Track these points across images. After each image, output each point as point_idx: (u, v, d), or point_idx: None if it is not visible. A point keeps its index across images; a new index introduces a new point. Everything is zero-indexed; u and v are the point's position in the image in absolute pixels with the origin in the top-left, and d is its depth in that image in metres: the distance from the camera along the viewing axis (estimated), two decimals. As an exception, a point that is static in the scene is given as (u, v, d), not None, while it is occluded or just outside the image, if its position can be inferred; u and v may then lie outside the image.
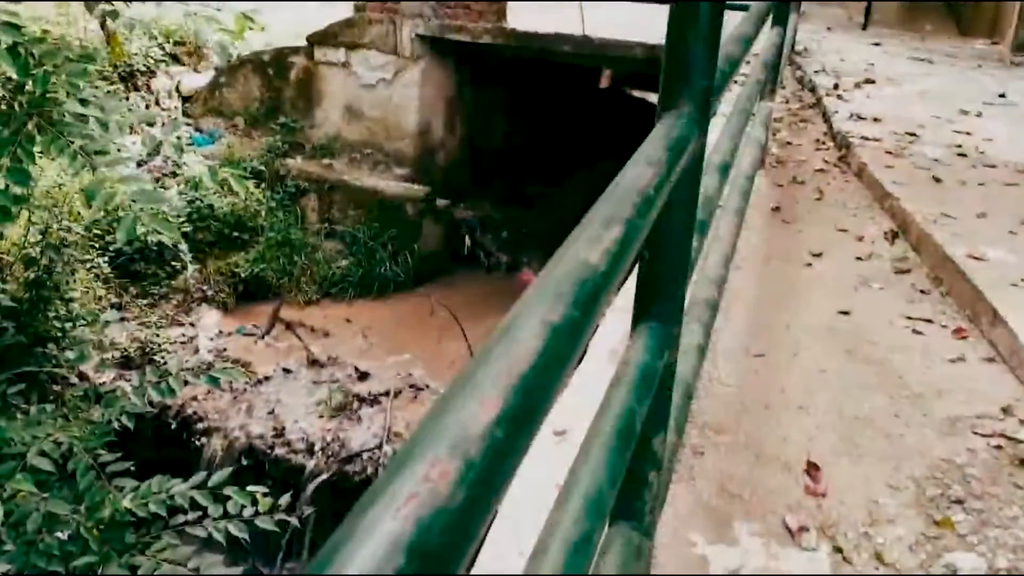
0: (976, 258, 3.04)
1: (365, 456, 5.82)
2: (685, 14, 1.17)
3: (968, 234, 3.27)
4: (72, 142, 3.42)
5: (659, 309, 1.24)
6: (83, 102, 3.57)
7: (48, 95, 3.50)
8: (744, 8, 4.01)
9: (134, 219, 3.33)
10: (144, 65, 8.67)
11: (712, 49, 1.21)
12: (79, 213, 6.57)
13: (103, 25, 4.07)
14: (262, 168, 8.37)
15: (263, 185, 8.27)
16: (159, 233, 3.34)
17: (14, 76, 3.41)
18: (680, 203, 1.16)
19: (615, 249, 0.72)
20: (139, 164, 7.67)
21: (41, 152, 3.43)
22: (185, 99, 8.99)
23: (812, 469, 2.12)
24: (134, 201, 3.36)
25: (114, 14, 4.18)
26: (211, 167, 3.72)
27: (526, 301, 0.61)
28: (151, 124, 7.18)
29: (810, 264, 3.27)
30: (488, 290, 8.58)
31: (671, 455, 1.56)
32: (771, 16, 3.72)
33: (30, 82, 3.43)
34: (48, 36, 6.30)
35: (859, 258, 3.33)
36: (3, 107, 3.46)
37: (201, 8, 5.00)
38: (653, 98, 12.76)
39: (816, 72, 5.91)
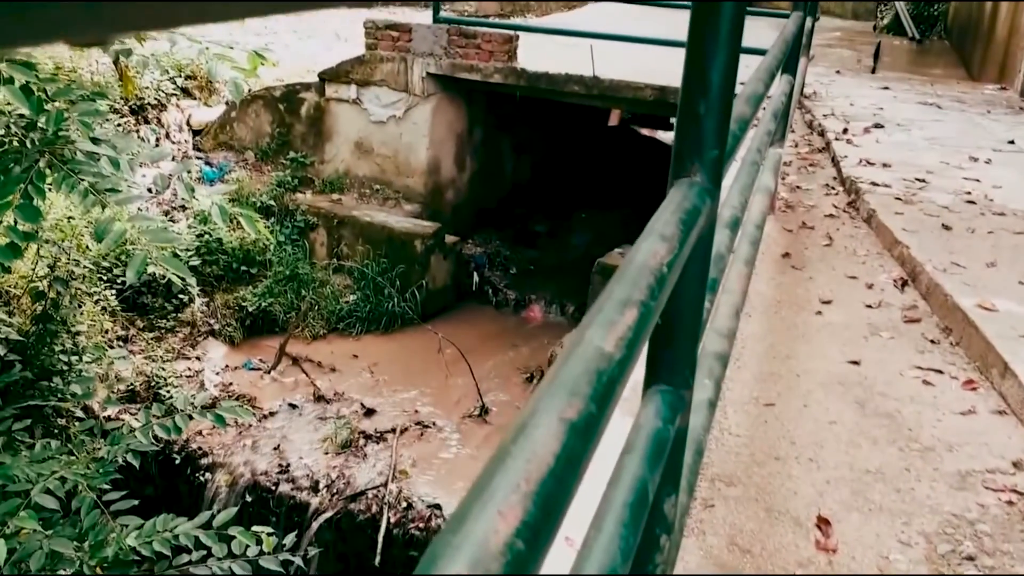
0: (986, 308, 3.03)
1: (370, 494, 5.79)
2: (696, 86, 1.18)
3: (978, 284, 3.26)
4: (83, 180, 3.46)
5: (670, 373, 1.24)
6: (95, 140, 3.61)
7: (60, 133, 3.54)
8: (760, 52, 4.04)
9: (144, 258, 3.35)
10: (155, 99, 8.75)
11: (724, 119, 1.22)
12: (87, 246, 6.61)
13: (116, 62, 4.11)
14: (271, 203, 8.42)
15: (272, 219, 8.31)
16: (168, 270, 3.36)
17: (27, 113, 3.45)
18: (693, 274, 1.16)
19: (630, 336, 0.72)
20: (149, 191, 7.72)
21: (51, 187, 3.46)
22: (196, 132, 9.06)
23: (823, 524, 2.10)
24: (144, 239, 3.38)
25: (127, 52, 4.23)
26: (221, 206, 3.73)
27: (541, 396, 0.61)
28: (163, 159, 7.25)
29: (820, 312, 3.26)
30: (496, 327, 8.57)
31: (682, 515, 1.55)
32: (781, 64, 3.74)
33: (43, 119, 3.46)
34: (61, 71, 6.36)
35: (869, 306, 3.32)
36: (15, 144, 3.50)
37: (214, 45, 5.05)
38: (662, 136, 12.86)
39: (825, 116, 5.94)
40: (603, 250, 7.98)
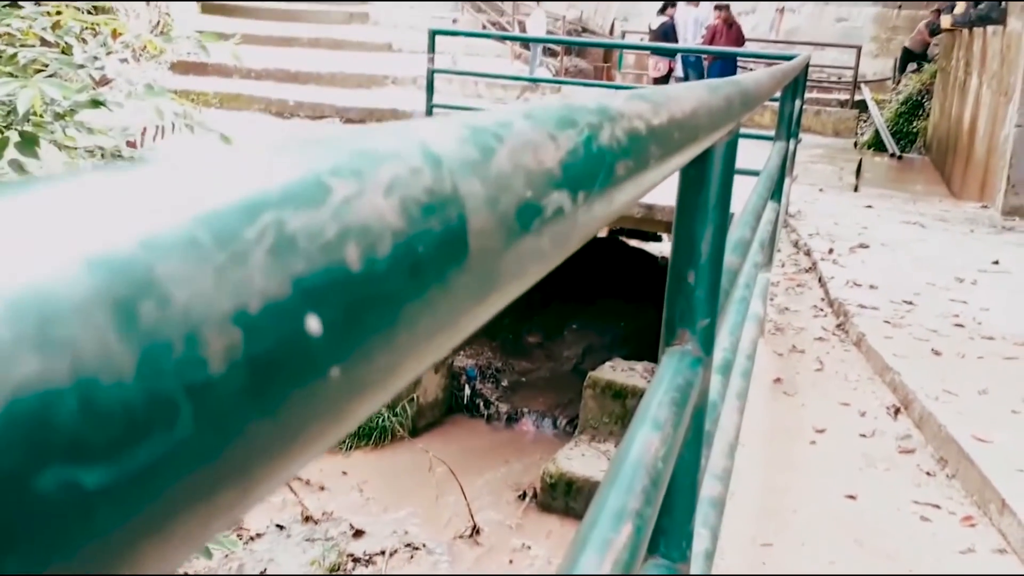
0: (980, 440, 3.01)
1: (357, 622, 5.60)
2: (685, 257, 1.19)
3: (971, 412, 3.25)
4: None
5: (667, 547, 1.22)
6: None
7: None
8: (751, 173, 4.11)
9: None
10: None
11: (714, 287, 1.23)
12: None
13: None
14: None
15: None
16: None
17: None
18: (689, 456, 1.15)
19: (626, 558, 0.70)
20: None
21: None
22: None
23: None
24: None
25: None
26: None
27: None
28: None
29: (814, 442, 3.23)
30: (487, 441, 8.48)
31: None
32: (766, 201, 3.81)
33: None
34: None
35: (863, 435, 3.30)
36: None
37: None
38: (649, 247, 13.01)
39: (811, 235, 6.03)
40: (595, 362, 7.96)
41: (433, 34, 7.80)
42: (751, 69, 14.15)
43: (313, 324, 0.18)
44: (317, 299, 0.18)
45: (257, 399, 0.16)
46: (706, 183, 1.14)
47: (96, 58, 3.84)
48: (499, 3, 19.23)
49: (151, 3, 12.89)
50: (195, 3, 15.06)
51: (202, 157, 0.19)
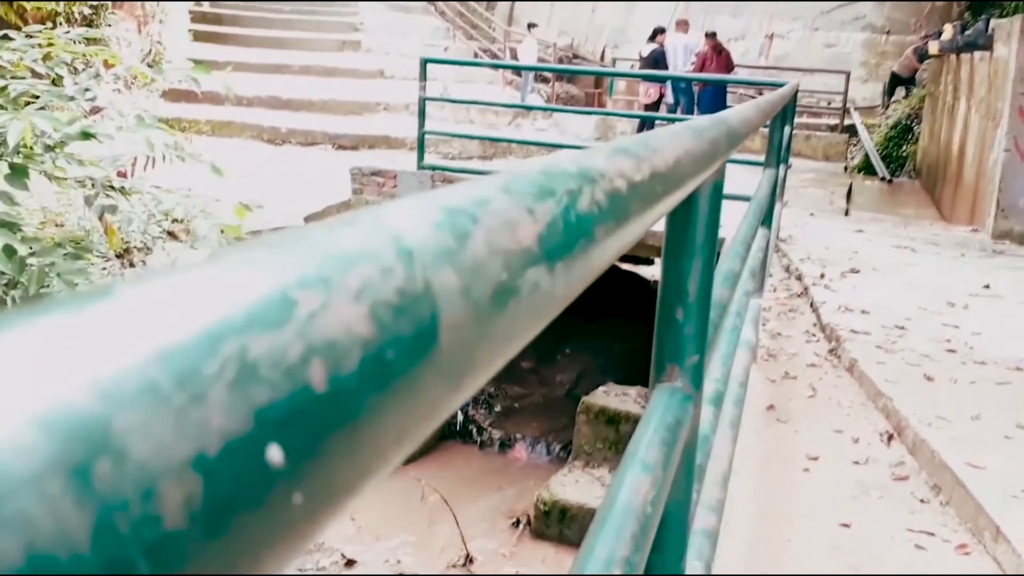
0: (974, 466, 3.00)
1: (350, 654, 5.55)
2: (674, 294, 1.19)
3: (964, 438, 3.25)
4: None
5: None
6: (78, 297, 3.61)
7: (42, 290, 3.54)
8: (743, 198, 4.11)
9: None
10: (141, 242, 8.84)
11: (702, 323, 1.23)
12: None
13: (101, 217, 4.16)
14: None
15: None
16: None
17: (7, 272, 3.45)
18: (679, 498, 1.14)
19: (614, 609, 0.70)
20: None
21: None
22: (183, 276, 9.12)
23: None
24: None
25: (112, 208, 4.30)
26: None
27: None
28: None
29: (807, 469, 3.23)
30: (480, 468, 8.43)
31: None
32: (756, 230, 3.82)
33: (24, 277, 3.47)
34: (48, 222, 6.41)
35: (856, 462, 3.29)
36: (-5, 301, 3.49)
37: (199, 199, 5.13)
38: (641, 271, 13.03)
39: (802, 260, 6.04)
40: (589, 387, 7.94)
41: (424, 63, 7.84)
42: (741, 94, 14.26)
43: (275, 455, 0.18)
44: (279, 429, 0.18)
45: (218, 543, 0.16)
46: (692, 223, 1.15)
47: (87, 89, 3.85)
48: (490, 31, 19.38)
49: (143, 31, 12.94)
50: (187, 31, 15.12)
51: (167, 278, 0.19)
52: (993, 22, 8.33)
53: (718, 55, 11.71)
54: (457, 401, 0.28)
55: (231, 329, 0.18)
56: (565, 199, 0.41)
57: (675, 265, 1.21)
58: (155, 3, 12.91)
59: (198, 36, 15.32)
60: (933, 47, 10.44)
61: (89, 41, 4.33)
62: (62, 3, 10.90)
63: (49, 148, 3.44)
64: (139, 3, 12.67)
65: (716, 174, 1.17)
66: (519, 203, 0.36)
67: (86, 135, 3.36)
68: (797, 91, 5.33)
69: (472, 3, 19.96)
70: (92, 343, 0.15)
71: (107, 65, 4.52)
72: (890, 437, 3.49)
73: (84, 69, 4.10)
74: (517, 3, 20.66)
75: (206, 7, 15.30)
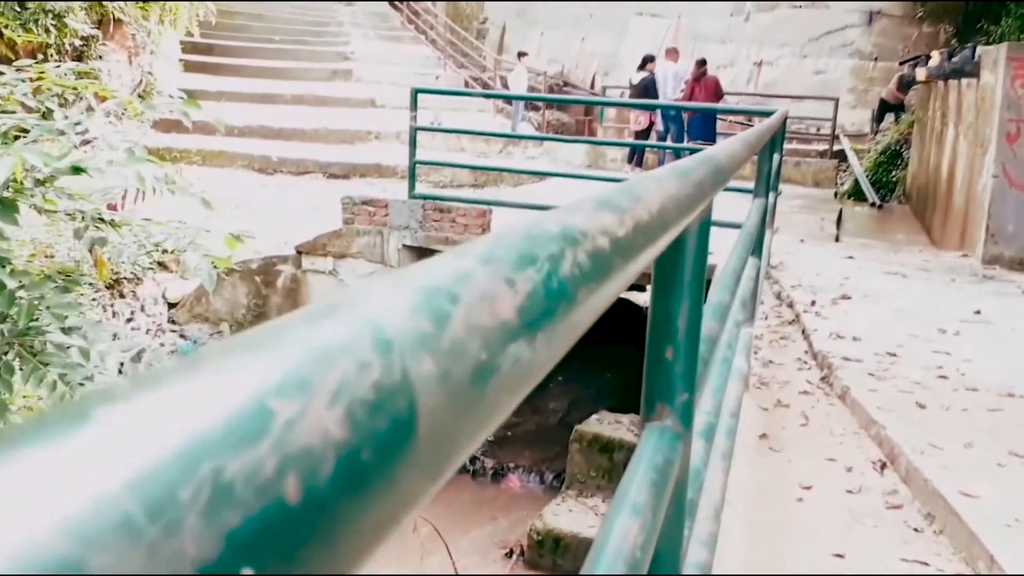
0: (967, 495, 3.00)
1: None
2: (663, 333, 1.19)
3: (957, 466, 3.25)
4: (51, 372, 3.42)
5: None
6: (66, 331, 3.60)
7: (31, 324, 3.53)
8: (733, 226, 4.11)
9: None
10: (131, 272, 8.82)
11: (692, 362, 1.23)
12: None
13: (91, 250, 4.16)
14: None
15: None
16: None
17: (-2, 305, 3.44)
18: (670, 533, 1.14)
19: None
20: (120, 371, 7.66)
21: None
22: (171, 306, 9.10)
23: None
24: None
25: (102, 241, 4.30)
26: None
27: None
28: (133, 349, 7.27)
29: (801, 499, 3.22)
30: (473, 498, 8.38)
31: None
32: (745, 262, 3.83)
33: (14, 311, 3.46)
34: (37, 254, 6.39)
35: (849, 491, 3.28)
36: (-16, 334, 3.48)
37: (189, 230, 5.14)
38: (634, 297, 13.05)
39: (793, 287, 6.06)
40: (582, 415, 7.92)
41: (415, 93, 7.89)
42: (731, 120, 14.36)
43: (248, 577, 0.18)
44: (252, 550, 0.18)
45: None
46: (680, 264, 1.15)
47: (78, 123, 3.85)
48: (481, 59, 19.50)
49: (134, 62, 12.98)
50: (178, 61, 15.18)
51: (144, 390, 0.19)
52: (980, 49, 8.42)
53: (707, 83, 11.80)
54: (436, 488, 0.28)
55: (208, 448, 0.18)
56: (547, 266, 0.41)
57: (663, 304, 1.21)
58: (146, 35, 12.96)
59: (189, 66, 15.38)
60: (921, 73, 10.55)
61: (80, 75, 4.34)
62: (53, 35, 10.93)
63: (39, 182, 3.44)
64: (130, 33, 12.71)
65: (703, 214, 1.17)
66: (499, 274, 0.36)
67: (76, 169, 3.36)
68: (786, 118, 5.37)
69: (462, 32, 20.11)
70: (65, 475, 0.15)
71: (99, 97, 4.53)
72: (883, 465, 3.48)
73: (75, 102, 4.11)
74: (507, 32, 20.82)
75: (197, 37, 15.37)
